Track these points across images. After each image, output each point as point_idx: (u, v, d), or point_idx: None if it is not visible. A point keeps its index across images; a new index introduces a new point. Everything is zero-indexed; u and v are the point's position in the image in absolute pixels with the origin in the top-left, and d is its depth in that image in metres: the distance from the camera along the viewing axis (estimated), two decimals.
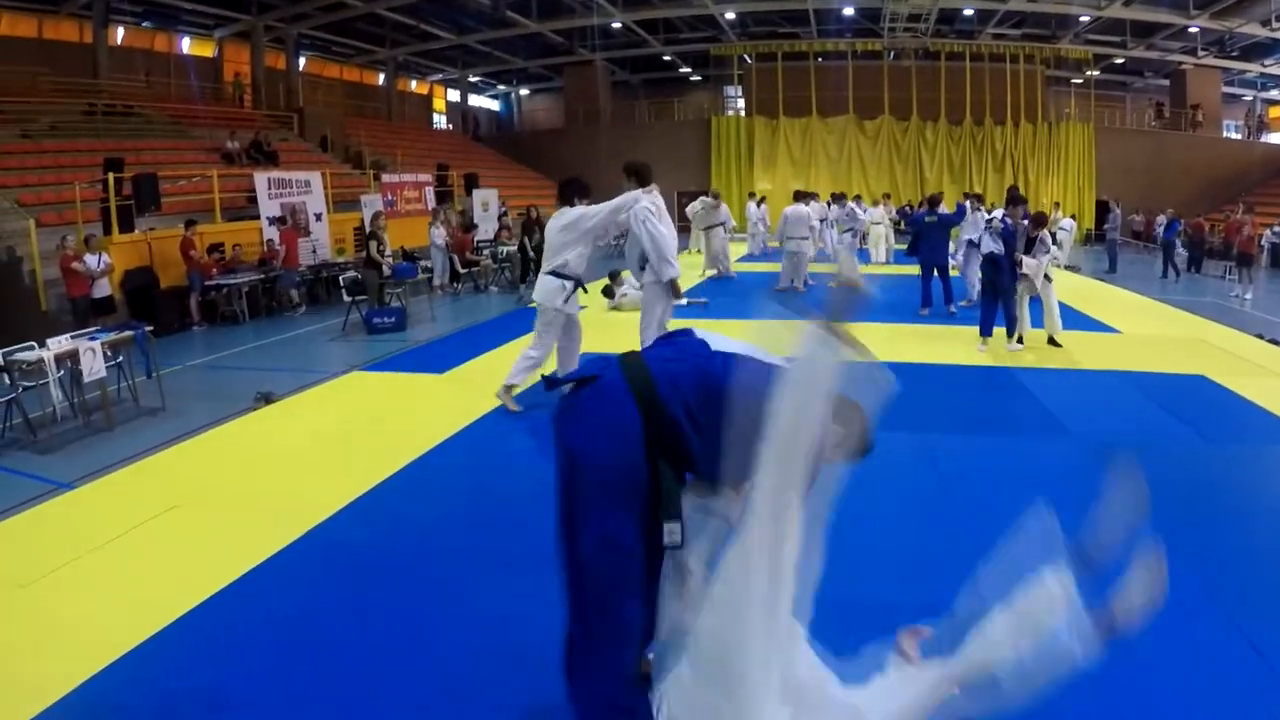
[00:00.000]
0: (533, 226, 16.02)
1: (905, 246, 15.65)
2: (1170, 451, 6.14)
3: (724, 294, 14.39)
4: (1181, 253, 22.95)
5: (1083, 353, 9.53)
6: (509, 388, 7.19)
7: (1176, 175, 31.79)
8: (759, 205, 23.23)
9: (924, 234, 12.80)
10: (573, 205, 6.99)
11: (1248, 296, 17.58)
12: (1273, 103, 39.33)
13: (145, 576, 4.26)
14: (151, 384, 8.29)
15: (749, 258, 20.69)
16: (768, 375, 2.19)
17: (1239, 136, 37.28)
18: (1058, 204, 27.48)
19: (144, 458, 6.15)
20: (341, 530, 4.79)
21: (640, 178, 7.13)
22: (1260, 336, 11.14)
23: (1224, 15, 28.20)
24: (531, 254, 15.67)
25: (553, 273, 7.00)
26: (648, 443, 2.42)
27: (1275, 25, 27.94)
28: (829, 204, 18.82)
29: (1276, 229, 25.05)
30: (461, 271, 17.19)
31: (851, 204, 17.87)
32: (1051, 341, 9.86)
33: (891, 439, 6.16)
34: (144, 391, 8.27)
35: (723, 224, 17.73)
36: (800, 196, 15.98)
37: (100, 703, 3.21)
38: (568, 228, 6.94)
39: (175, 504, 5.15)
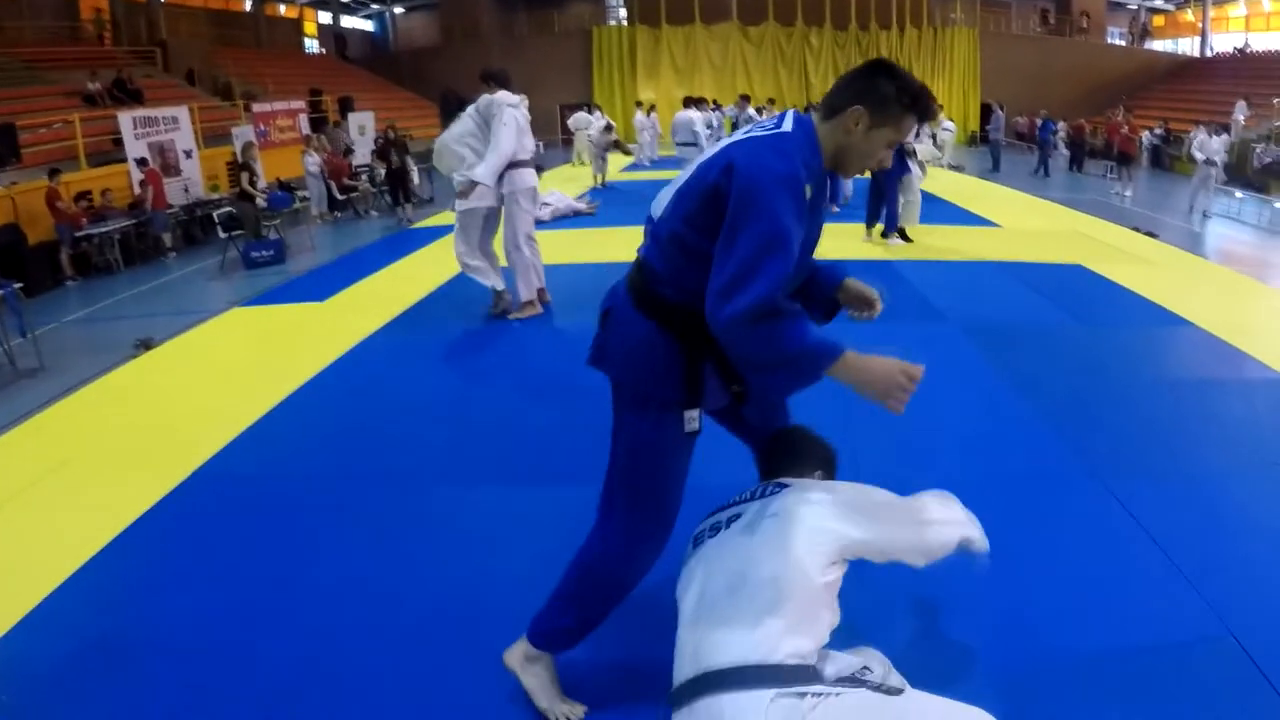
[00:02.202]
0: (389, 149, 15.67)
1: None
2: (1049, 335, 6.59)
3: (612, 204, 14.41)
4: (1064, 153, 23.85)
5: (964, 246, 9.88)
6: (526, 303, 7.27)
7: (1062, 80, 32.62)
8: (648, 114, 23.00)
9: None
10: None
11: (1127, 194, 18.51)
12: (1156, 11, 41.05)
13: (39, 534, 4.11)
14: (27, 344, 8.09)
15: (636, 166, 20.62)
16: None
17: (1123, 43, 38.51)
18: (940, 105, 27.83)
19: (26, 420, 5.86)
20: (233, 463, 4.73)
21: (498, 81, 6.90)
22: (1137, 229, 11.55)
23: None
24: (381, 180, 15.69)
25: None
26: (671, 340, 2.39)
27: None
28: (715, 107, 18.65)
29: (1156, 131, 26.38)
30: (340, 198, 16.81)
31: (752, 110, 17.74)
32: (903, 235, 10.12)
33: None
34: (20, 354, 8.06)
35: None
36: (690, 103, 16.28)
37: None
38: (460, 137, 6.92)
39: (65, 460, 4.95)
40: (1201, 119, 25.11)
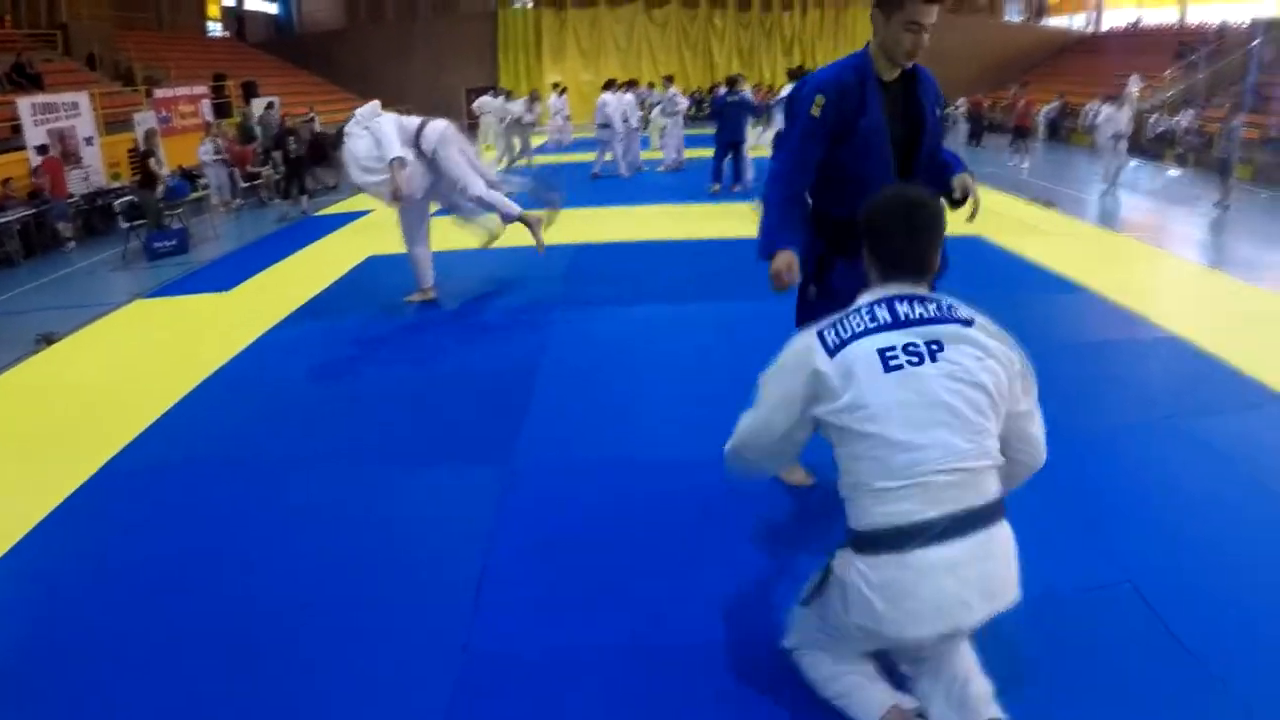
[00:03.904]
0: (285, 137, 15.50)
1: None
2: None
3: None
4: (963, 127, 24.46)
5: None
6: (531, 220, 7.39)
7: (962, 56, 33.23)
8: (560, 96, 23.02)
9: (724, 113, 13.20)
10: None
11: (1025, 166, 19.02)
12: None
13: None
14: None
15: (549, 148, 20.89)
16: None
17: (1020, 20, 39.51)
18: None
19: None
20: (143, 456, 4.79)
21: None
22: (1034, 200, 11.91)
23: None
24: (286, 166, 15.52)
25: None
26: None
27: None
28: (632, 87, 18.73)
29: (1052, 105, 27.41)
30: (243, 185, 16.68)
31: (673, 89, 17.82)
32: None
33: (687, 310, 7.01)
34: None
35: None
36: (610, 85, 16.72)
37: None
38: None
39: None
40: (1097, 92, 26.06)
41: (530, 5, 35.79)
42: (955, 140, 24.80)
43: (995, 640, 2.63)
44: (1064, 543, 3.55)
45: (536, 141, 19.95)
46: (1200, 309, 7.38)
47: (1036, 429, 2.56)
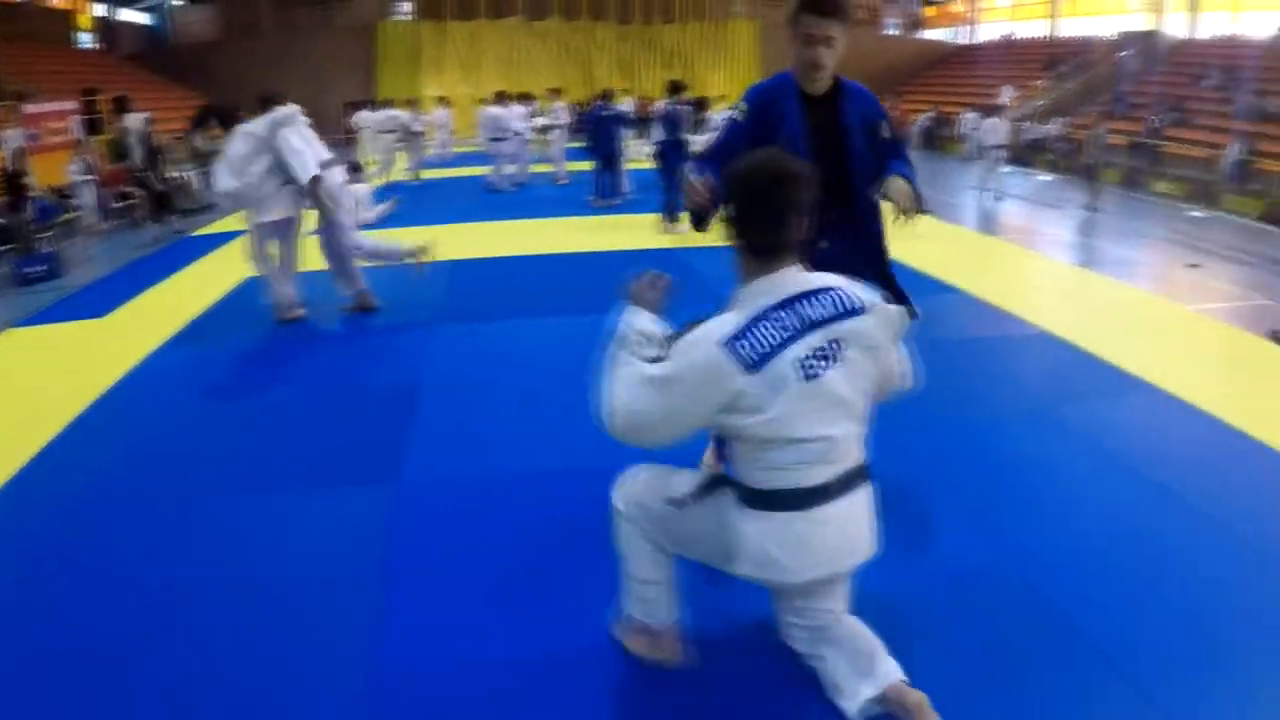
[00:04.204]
0: (156, 155, 15.20)
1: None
2: None
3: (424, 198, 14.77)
4: None
5: None
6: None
7: (845, 69, 33.84)
8: (445, 109, 23.06)
9: (599, 127, 13.28)
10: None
11: None
12: (928, 3, 44.74)
13: None
14: None
15: (437, 163, 20.53)
16: None
17: (897, 33, 40.76)
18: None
19: None
20: (19, 494, 4.56)
21: (276, 101, 7.09)
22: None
23: None
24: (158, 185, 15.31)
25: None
26: None
27: None
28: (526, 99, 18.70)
29: (929, 115, 28.45)
30: (116, 206, 16.11)
31: (559, 103, 17.82)
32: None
33: (567, 322, 6.98)
34: None
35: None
36: (501, 98, 16.62)
37: None
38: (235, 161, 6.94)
39: None
40: (972, 102, 27.01)
41: (410, 18, 35.56)
42: None
43: (887, 616, 2.84)
44: (940, 523, 3.82)
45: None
46: (1067, 305, 7.79)
47: (899, 367, 2.75)
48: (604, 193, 13.68)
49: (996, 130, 18.62)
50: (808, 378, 2.36)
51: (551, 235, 11.38)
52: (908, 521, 3.74)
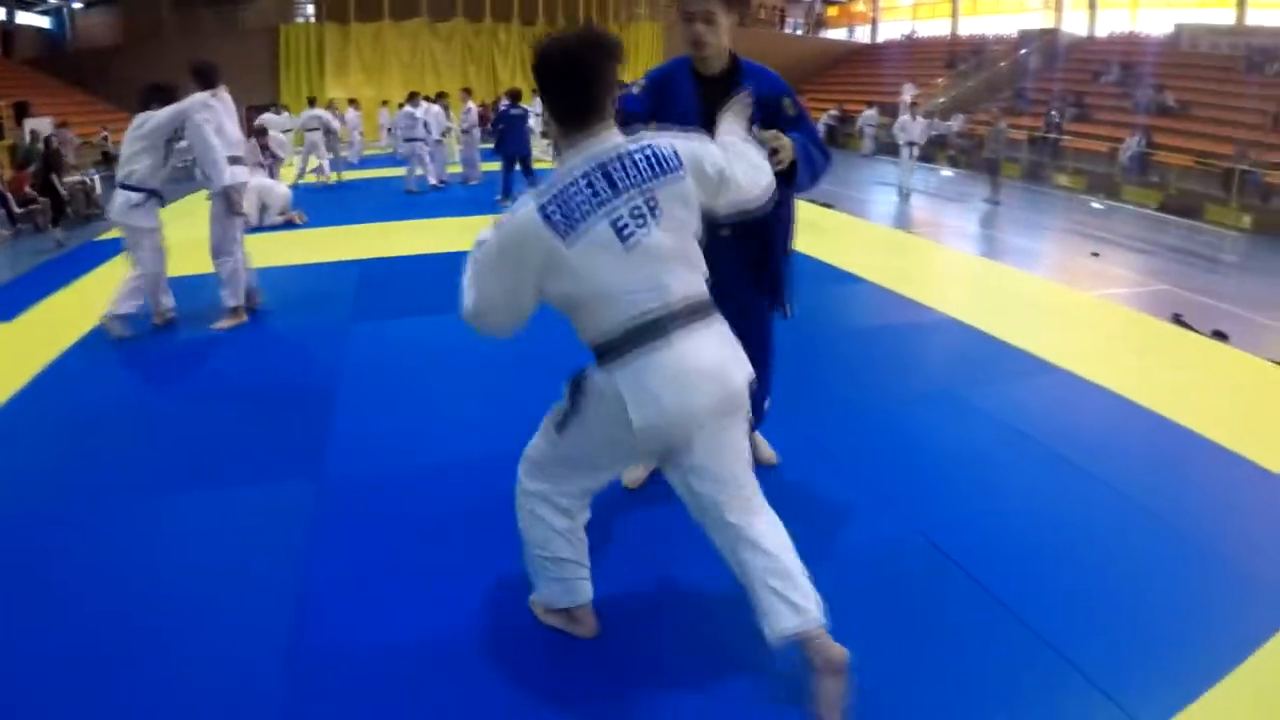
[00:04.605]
0: (55, 158, 14.79)
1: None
2: None
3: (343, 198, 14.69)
4: None
5: None
6: (117, 317, 6.90)
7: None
8: (355, 111, 22.92)
9: (509, 126, 13.23)
10: (152, 110, 6.71)
11: None
12: (830, 2, 45.95)
13: None
14: None
15: (349, 165, 20.29)
16: None
17: (800, 33, 41.45)
18: None
19: None
20: None
21: (204, 79, 6.85)
22: (813, 201, 12.56)
23: None
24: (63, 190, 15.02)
25: (123, 185, 6.75)
26: None
27: None
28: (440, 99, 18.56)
29: (831, 113, 29.11)
30: (18, 211, 15.71)
31: (470, 103, 17.62)
32: None
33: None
34: None
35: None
36: (413, 98, 16.59)
37: None
38: (139, 135, 6.71)
39: None
40: (873, 100, 27.52)
41: (313, 20, 35.06)
42: None
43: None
44: (856, 504, 3.89)
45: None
46: (973, 293, 8.02)
47: (745, 180, 2.76)
48: (510, 192, 13.56)
49: (908, 129, 18.99)
50: (624, 241, 2.44)
51: (460, 234, 11.19)
52: (823, 501, 3.88)
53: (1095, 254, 13.76)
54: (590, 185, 2.44)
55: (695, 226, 2.58)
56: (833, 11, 46.95)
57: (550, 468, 2.79)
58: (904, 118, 19.70)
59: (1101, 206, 19.24)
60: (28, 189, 16.05)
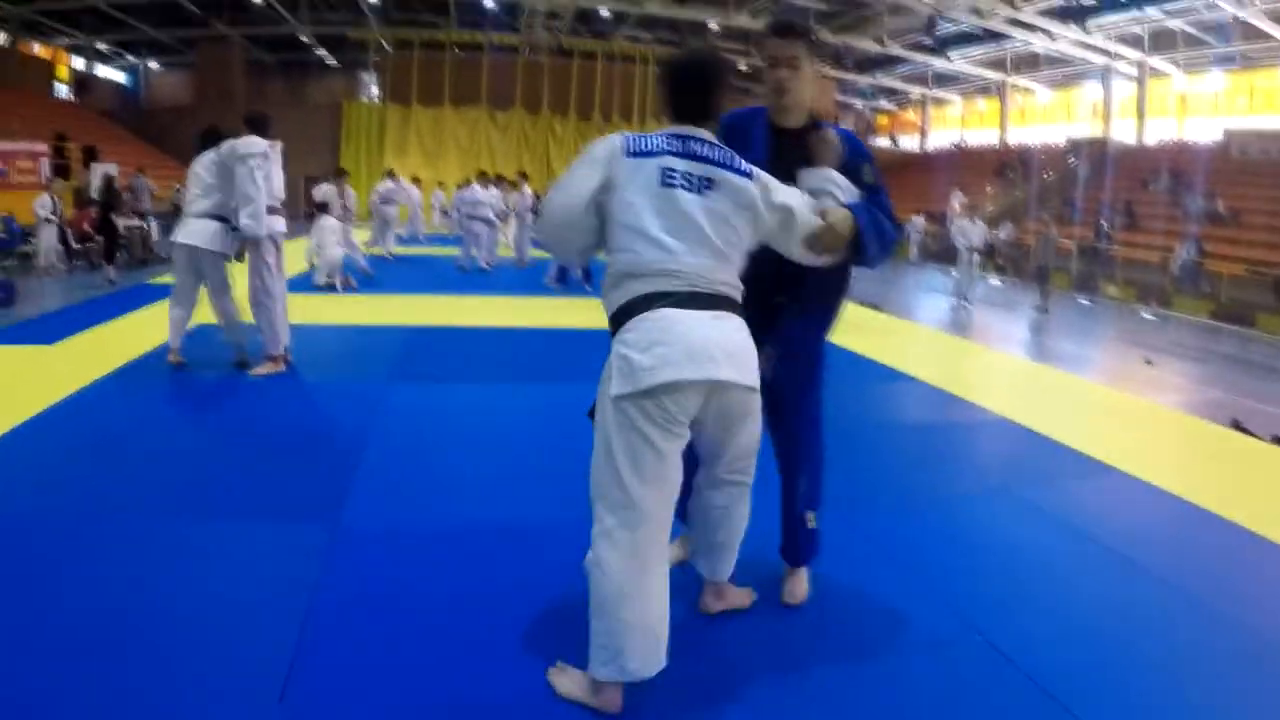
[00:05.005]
0: (115, 198, 15.39)
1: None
2: None
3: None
4: None
5: None
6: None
7: None
8: (417, 190, 23.29)
9: None
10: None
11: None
12: (879, 111, 46.84)
13: None
14: None
15: (401, 240, 20.40)
16: None
17: None
18: None
19: None
20: None
21: (259, 128, 6.91)
22: (860, 303, 12.60)
23: (841, 31, 32.54)
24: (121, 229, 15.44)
25: (210, 215, 6.92)
26: None
27: (886, 43, 32.87)
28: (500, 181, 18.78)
29: None
30: (76, 248, 16.17)
31: (527, 189, 17.84)
32: None
33: (516, 390, 7.15)
34: None
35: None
36: (482, 177, 17.14)
37: None
38: (203, 168, 6.98)
39: None
40: (921, 208, 27.61)
41: (378, 100, 36.04)
42: None
43: (867, 689, 2.84)
44: (914, 602, 3.67)
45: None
46: (1027, 395, 7.90)
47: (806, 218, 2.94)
48: (573, 279, 13.79)
49: (967, 233, 18.66)
50: (664, 184, 2.73)
51: (507, 312, 11.46)
52: (881, 599, 3.68)
53: (1149, 361, 13.59)
54: (667, 140, 2.79)
55: (741, 237, 2.81)
56: (883, 120, 47.50)
57: (605, 481, 2.76)
58: (963, 221, 19.45)
59: (1152, 316, 19.10)
60: (85, 226, 16.44)
